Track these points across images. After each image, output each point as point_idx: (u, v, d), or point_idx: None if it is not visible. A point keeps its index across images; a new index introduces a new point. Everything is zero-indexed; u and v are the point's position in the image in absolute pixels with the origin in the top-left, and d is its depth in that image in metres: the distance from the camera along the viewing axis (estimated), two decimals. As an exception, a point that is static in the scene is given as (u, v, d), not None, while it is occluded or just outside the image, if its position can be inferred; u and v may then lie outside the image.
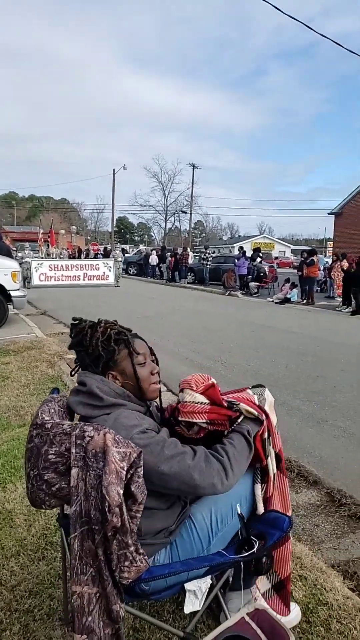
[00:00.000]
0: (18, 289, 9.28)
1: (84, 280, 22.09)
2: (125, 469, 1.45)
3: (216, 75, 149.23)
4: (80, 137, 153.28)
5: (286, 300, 16.74)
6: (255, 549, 1.68)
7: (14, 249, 23.30)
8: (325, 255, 36.83)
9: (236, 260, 21.05)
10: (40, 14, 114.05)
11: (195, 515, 1.80)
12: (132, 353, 1.79)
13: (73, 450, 1.46)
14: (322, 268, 20.45)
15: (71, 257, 29.20)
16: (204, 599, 1.68)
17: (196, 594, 1.66)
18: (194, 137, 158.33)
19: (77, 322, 1.88)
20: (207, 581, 1.69)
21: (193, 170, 53.75)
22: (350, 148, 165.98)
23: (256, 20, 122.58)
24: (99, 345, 1.76)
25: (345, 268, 16.54)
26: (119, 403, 1.70)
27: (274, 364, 7.27)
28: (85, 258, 28.99)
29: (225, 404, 1.85)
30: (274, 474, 1.95)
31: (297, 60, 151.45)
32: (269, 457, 1.91)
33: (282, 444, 2.03)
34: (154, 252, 31.22)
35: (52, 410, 1.68)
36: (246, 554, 1.68)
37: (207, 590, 1.69)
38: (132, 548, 1.49)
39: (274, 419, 1.95)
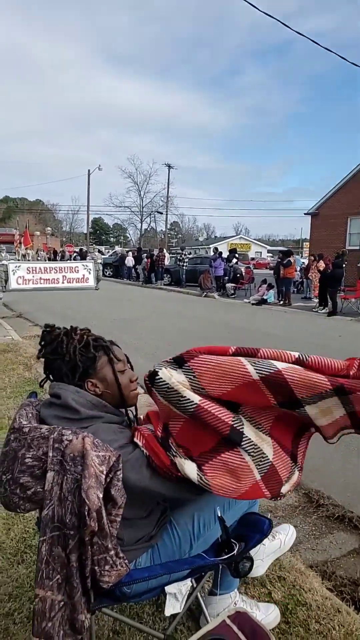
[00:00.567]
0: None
1: (63, 283, 21.66)
2: (105, 472, 1.43)
3: (191, 74, 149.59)
4: (54, 137, 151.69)
5: (263, 302, 16.85)
6: (235, 551, 1.68)
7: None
8: (301, 256, 37.20)
9: (212, 262, 21.12)
10: (10, 10, 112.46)
11: (178, 521, 1.80)
12: (112, 360, 1.75)
13: (50, 454, 1.44)
14: (298, 269, 20.63)
15: (48, 259, 28.84)
16: (184, 602, 1.67)
17: (176, 597, 1.66)
18: (170, 138, 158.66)
19: (49, 329, 1.79)
20: (187, 584, 1.69)
21: (169, 170, 53.86)
22: (326, 148, 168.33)
23: (231, 18, 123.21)
24: (77, 353, 1.70)
25: (321, 269, 16.71)
26: (95, 415, 1.66)
27: (251, 365, 7.28)
28: (61, 260, 28.70)
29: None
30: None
31: (272, 60, 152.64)
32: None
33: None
34: (130, 253, 31.14)
35: (30, 415, 1.65)
36: (226, 556, 1.68)
37: (188, 592, 1.69)
38: (112, 552, 1.48)
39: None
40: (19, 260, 24.17)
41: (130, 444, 1.64)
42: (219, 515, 1.71)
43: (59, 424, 1.57)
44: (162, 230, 68.15)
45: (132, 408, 1.88)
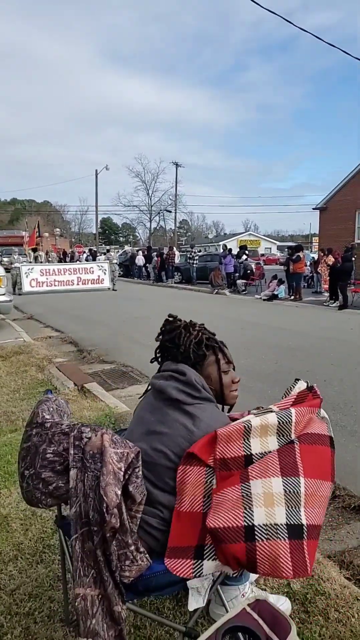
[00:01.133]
0: (4, 294, 9.24)
1: (77, 284, 21.15)
2: (123, 469, 1.45)
3: (196, 72, 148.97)
4: (60, 138, 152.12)
5: (274, 297, 16.80)
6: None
7: (-1, 253, 22.94)
8: (311, 251, 37.03)
9: (222, 259, 21.09)
10: (16, 11, 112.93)
11: None
12: (219, 360, 1.90)
13: (71, 452, 1.47)
14: (308, 263, 20.54)
15: (59, 260, 28.73)
16: (206, 596, 1.69)
17: (199, 591, 1.67)
18: (176, 136, 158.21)
19: (172, 319, 1.99)
20: (208, 577, 1.70)
21: (176, 168, 53.93)
22: (333, 143, 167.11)
23: (235, 15, 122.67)
24: (190, 347, 1.85)
25: (330, 263, 16.63)
26: (210, 398, 1.81)
27: (265, 361, 7.30)
28: (70, 261, 28.60)
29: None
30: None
31: (277, 56, 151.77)
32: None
33: None
34: (140, 252, 31.13)
35: (51, 409, 1.68)
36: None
37: (210, 586, 1.71)
38: (132, 547, 1.50)
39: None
40: (30, 262, 23.96)
41: None
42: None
43: (178, 395, 1.76)
44: (171, 228, 68.24)
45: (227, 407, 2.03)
